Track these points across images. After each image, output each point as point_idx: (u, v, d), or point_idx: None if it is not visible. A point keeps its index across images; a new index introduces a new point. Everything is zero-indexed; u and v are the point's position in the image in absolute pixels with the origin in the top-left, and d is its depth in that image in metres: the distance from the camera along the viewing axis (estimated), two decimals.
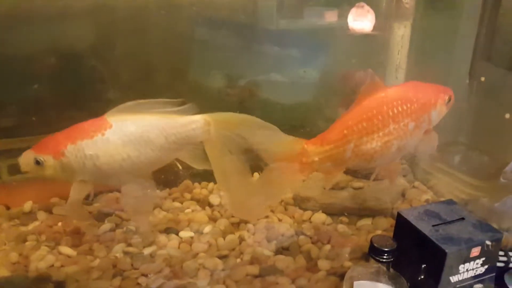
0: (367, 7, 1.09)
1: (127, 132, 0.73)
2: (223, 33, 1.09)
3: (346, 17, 1.09)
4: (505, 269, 0.82)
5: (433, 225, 0.73)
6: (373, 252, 0.71)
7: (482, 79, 0.95)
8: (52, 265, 0.82)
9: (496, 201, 0.99)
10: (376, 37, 1.05)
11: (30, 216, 0.95)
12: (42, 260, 0.83)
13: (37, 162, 0.72)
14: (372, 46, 1.08)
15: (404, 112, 0.74)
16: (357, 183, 1.04)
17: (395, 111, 0.73)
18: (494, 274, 0.75)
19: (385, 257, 0.69)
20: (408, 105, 0.74)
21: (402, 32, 1.04)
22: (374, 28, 1.06)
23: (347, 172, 1.06)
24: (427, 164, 1.12)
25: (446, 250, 0.67)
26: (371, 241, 0.72)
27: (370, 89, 0.75)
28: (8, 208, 0.98)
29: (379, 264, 0.72)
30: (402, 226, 0.76)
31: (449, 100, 0.80)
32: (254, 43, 1.12)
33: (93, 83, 0.99)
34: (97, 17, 0.96)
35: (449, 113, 0.85)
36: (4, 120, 0.94)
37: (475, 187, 1.08)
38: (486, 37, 1.04)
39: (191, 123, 0.77)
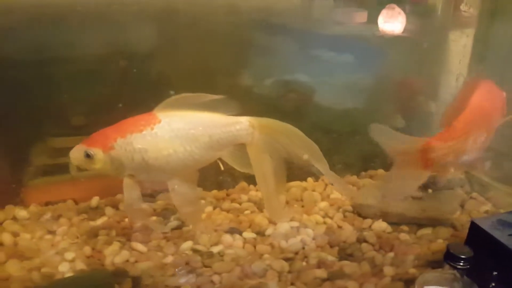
0: (398, 9, 1.14)
1: (174, 128, 0.78)
2: (279, 39, 1.15)
3: (407, 26, 1.15)
4: None
5: (509, 234, 0.78)
6: (450, 258, 0.76)
7: None
8: (127, 260, 0.88)
9: None
10: (438, 46, 1.11)
11: (97, 211, 1.01)
12: (118, 255, 0.88)
13: (87, 155, 0.77)
14: (433, 55, 1.13)
15: (500, 107, 0.88)
16: (416, 193, 1.08)
17: (496, 106, 0.87)
18: None
19: (461, 264, 0.74)
20: (501, 102, 0.89)
21: (464, 42, 1.10)
22: (436, 37, 1.12)
23: None
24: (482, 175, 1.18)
25: None
26: (447, 248, 0.76)
27: (474, 85, 0.87)
28: (76, 203, 1.04)
29: (454, 271, 0.77)
30: (476, 234, 0.81)
31: None
32: (309, 48, 1.17)
33: (158, 85, 1.06)
34: (161, 22, 1.03)
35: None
36: (75, 118, 1.00)
37: None
38: None
39: (236, 123, 0.81)
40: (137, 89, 1.02)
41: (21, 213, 0.98)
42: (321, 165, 0.82)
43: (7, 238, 0.90)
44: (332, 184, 1.10)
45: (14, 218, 0.97)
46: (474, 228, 0.81)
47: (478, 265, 0.75)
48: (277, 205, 0.88)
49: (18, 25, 0.91)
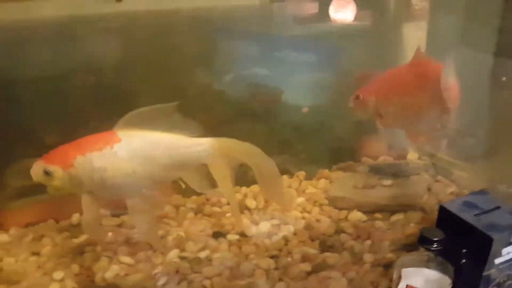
0: None
1: (134, 148, 0.80)
2: (243, 43, 1.19)
3: (361, 19, 1.22)
4: None
5: (474, 215, 0.86)
6: (423, 242, 0.83)
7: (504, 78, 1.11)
8: (118, 274, 0.90)
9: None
10: (394, 39, 1.19)
11: (79, 228, 1.02)
12: (108, 270, 0.90)
13: (46, 173, 0.77)
14: (390, 48, 1.21)
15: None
16: (386, 182, 1.17)
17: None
18: None
19: (434, 246, 0.82)
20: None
21: (418, 35, 1.18)
22: (392, 30, 1.19)
23: (377, 171, 1.22)
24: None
25: (492, 237, 0.80)
26: (420, 232, 0.84)
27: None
28: (57, 221, 1.05)
29: (429, 253, 0.85)
30: (445, 217, 0.89)
31: None
32: (272, 50, 1.23)
33: (128, 99, 1.07)
34: (125, 36, 1.05)
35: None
36: (48, 137, 1.00)
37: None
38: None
39: (197, 145, 0.84)
40: (109, 104, 1.03)
41: (2, 237, 0.98)
42: (276, 184, 0.89)
43: None
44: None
45: None
46: (443, 211, 0.89)
47: (449, 244, 0.83)
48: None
49: None
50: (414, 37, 1.18)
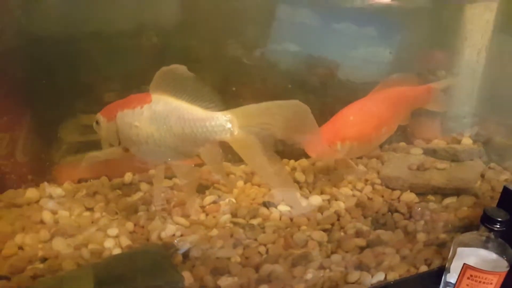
0: None
1: (155, 111, 0.84)
2: (302, 12, 1.23)
3: None
4: None
5: None
6: (487, 221, 0.88)
7: None
8: (174, 235, 0.96)
9: None
10: (461, 19, 1.22)
11: (131, 187, 1.08)
12: (164, 230, 0.95)
13: (97, 122, 0.90)
14: (456, 28, 1.24)
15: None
16: (441, 165, 1.22)
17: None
18: None
19: (497, 226, 0.87)
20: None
21: (487, 16, 1.22)
22: (459, 10, 1.23)
23: (428, 153, 1.28)
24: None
25: None
26: (484, 211, 0.89)
27: None
28: (109, 179, 1.10)
29: (490, 233, 0.90)
30: (509, 198, 0.94)
31: None
32: (332, 22, 1.27)
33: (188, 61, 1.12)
34: None
35: None
36: (107, 94, 1.05)
37: None
38: None
39: (210, 119, 0.82)
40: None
41: (57, 191, 1.03)
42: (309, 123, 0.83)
43: (47, 216, 0.96)
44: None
45: (50, 196, 1.02)
46: (507, 192, 0.94)
47: (509, 227, 0.88)
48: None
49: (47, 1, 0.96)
50: (481, 18, 1.22)
